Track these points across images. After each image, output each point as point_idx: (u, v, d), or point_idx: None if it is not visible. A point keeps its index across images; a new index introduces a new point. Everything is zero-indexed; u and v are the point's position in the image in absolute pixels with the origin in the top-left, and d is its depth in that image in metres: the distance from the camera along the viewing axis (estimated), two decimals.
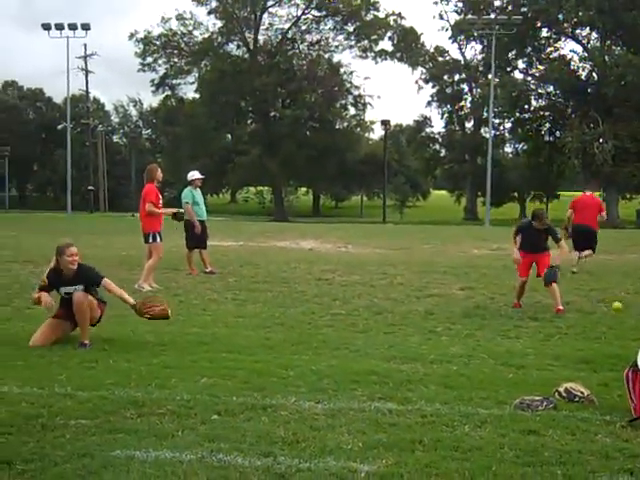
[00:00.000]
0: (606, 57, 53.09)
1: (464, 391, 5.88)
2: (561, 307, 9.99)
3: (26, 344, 7.39)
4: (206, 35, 64.90)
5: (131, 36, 64.49)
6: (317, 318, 9.43)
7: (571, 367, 6.84)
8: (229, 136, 72.12)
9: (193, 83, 68.02)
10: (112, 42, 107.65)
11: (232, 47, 66.26)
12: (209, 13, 63.52)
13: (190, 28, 64.94)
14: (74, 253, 7.65)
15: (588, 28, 57.17)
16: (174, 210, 13.06)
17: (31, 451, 4.36)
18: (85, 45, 62.33)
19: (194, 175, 14.04)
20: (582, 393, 5.59)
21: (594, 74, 55.28)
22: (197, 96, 69.15)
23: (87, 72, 65.15)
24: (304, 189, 79.31)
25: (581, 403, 5.50)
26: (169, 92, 70.07)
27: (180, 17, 64.17)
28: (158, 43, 64.94)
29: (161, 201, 12.32)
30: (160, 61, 65.74)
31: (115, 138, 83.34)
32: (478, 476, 4.09)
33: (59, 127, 74.00)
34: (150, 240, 12.20)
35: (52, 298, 7.71)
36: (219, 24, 64.37)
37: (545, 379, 6.24)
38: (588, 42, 58.38)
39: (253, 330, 8.55)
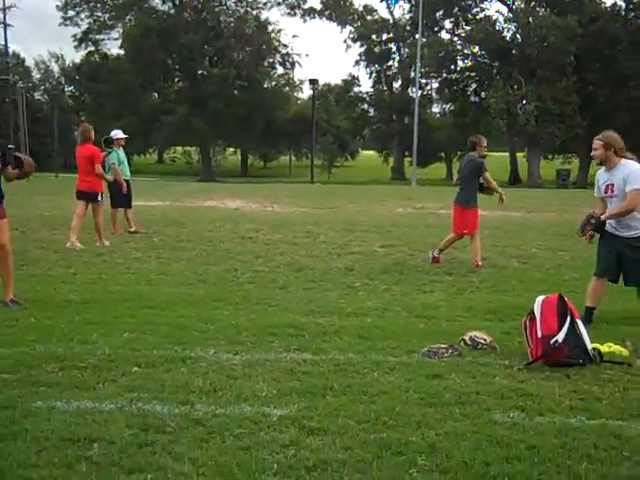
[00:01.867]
0: (530, 18, 53.93)
1: (377, 341, 6.19)
2: (480, 262, 10.40)
3: None
4: None
5: None
6: (239, 275, 9.64)
7: (480, 318, 7.24)
8: (155, 94, 70.78)
9: (117, 39, 66.42)
10: None
11: (157, 2, 64.75)
12: None
13: None
14: None
15: None
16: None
17: None
18: None
19: (117, 134, 13.97)
20: (485, 340, 5.96)
21: (518, 35, 56.16)
22: (122, 52, 67.58)
23: (6, 26, 62.84)
24: (232, 149, 78.72)
25: (484, 350, 5.88)
26: (92, 48, 68.16)
27: None
28: None
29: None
30: (83, 15, 63.83)
31: (36, 95, 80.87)
32: (382, 416, 4.38)
33: None
34: (99, 199, 12.42)
35: None
36: None
37: (454, 329, 6.60)
38: (513, 3, 59.18)
39: (175, 287, 8.72)
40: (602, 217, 7.03)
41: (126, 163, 14.06)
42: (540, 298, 5.80)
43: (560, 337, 5.46)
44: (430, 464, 3.76)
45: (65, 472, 3.60)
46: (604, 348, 5.75)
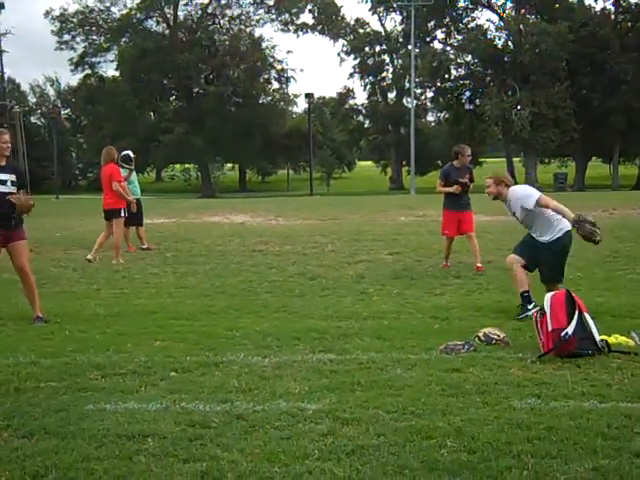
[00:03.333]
0: (521, 26, 54.64)
1: (395, 341, 6.54)
2: (480, 265, 10.78)
3: None
4: (124, 11, 64.10)
5: (47, 14, 63.24)
6: (255, 286, 10.00)
7: (490, 316, 7.59)
8: (152, 114, 71.34)
9: (113, 61, 67.16)
10: (24, 20, 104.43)
11: (152, 23, 65.68)
12: None
13: (107, 4, 64.05)
14: (7, 140, 7.72)
15: None
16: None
17: (10, 409, 4.80)
18: None
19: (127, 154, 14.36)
20: (498, 336, 6.32)
21: (510, 43, 56.80)
22: (118, 74, 68.19)
23: (1, 52, 63.38)
24: (230, 165, 79.24)
25: (498, 345, 6.24)
26: (89, 71, 68.83)
27: None
28: (75, 20, 63.73)
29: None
30: (78, 39, 64.70)
31: (33, 119, 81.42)
32: (409, 406, 4.73)
33: None
34: (121, 214, 12.85)
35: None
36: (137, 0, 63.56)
37: (467, 327, 6.96)
38: (504, 11, 59.94)
39: (196, 299, 9.07)
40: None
41: (136, 182, 14.47)
42: (549, 294, 6.16)
43: (570, 330, 5.81)
44: (458, 445, 4.10)
45: (126, 463, 3.94)
46: (611, 339, 6.11)
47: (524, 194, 7.68)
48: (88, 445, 4.19)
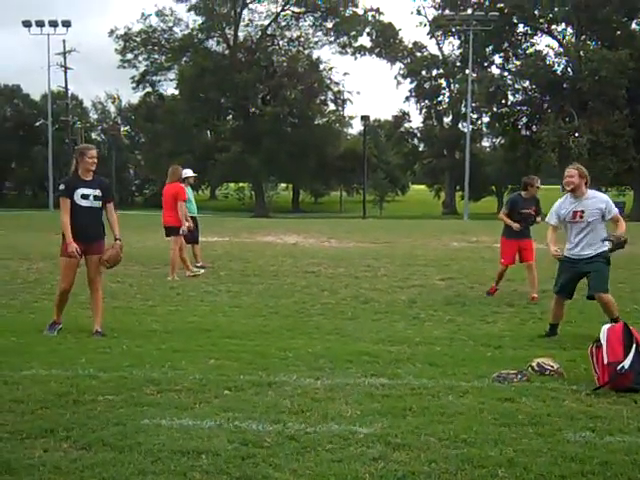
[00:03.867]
0: (581, 52, 54.11)
1: (447, 368, 6.53)
2: (536, 295, 10.68)
3: (40, 333, 7.96)
4: (186, 32, 65.38)
5: (111, 32, 64.87)
6: (308, 307, 10.08)
7: (543, 347, 7.52)
8: (209, 133, 72.45)
9: (173, 80, 68.56)
10: (88, 39, 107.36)
11: (212, 43, 66.82)
12: (189, 10, 64.08)
13: (170, 24, 65.48)
14: (95, 155, 7.99)
15: (564, 24, 58.23)
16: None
17: (69, 421, 4.94)
18: (64, 41, 62.46)
19: (187, 173, 14.62)
20: (552, 367, 6.26)
21: (569, 69, 56.31)
22: (177, 92, 69.51)
23: (66, 69, 65.18)
24: (284, 185, 79.87)
25: (551, 376, 6.18)
26: (149, 89, 70.37)
27: (160, 13, 64.69)
28: (138, 39, 65.25)
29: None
30: (140, 57, 66.18)
31: (94, 135, 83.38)
32: (461, 434, 4.73)
33: (37, 124, 73.79)
34: (180, 232, 13.07)
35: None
36: (199, 20, 64.87)
37: (520, 357, 6.91)
38: (564, 37, 59.46)
39: (250, 318, 9.19)
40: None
41: (193, 201, 14.70)
42: (606, 327, 6.10)
43: (626, 364, 5.73)
44: (510, 476, 4.08)
45: (181, 479, 4.03)
46: None
47: (610, 200, 7.94)
48: (144, 459, 4.29)
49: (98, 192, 8.00)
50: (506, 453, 4.41)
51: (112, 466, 4.17)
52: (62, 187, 8.02)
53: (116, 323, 8.55)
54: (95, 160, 8.00)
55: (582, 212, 7.87)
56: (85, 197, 7.91)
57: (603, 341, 5.94)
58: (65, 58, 64.03)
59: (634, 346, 5.83)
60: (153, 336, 7.92)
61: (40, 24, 54.58)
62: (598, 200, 7.94)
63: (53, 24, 54.89)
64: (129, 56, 65.52)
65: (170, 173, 13.49)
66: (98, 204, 8.01)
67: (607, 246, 7.76)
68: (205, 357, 6.86)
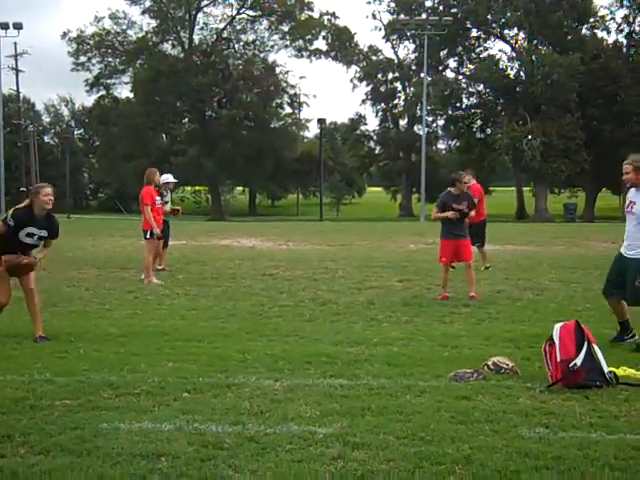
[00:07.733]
0: (533, 57, 54.93)
1: (405, 368, 6.61)
2: (474, 294, 10.83)
3: None
4: (140, 34, 64.83)
5: (64, 35, 64.01)
6: (267, 309, 10.09)
7: (499, 346, 7.64)
8: (165, 136, 71.89)
9: (128, 83, 67.87)
10: (40, 41, 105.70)
11: (167, 47, 66.41)
12: (143, 12, 63.52)
13: (124, 27, 64.84)
14: (50, 193, 7.83)
15: (516, 29, 59.05)
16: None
17: (26, 426, 4.90)
18: (15, 44, 61.41)
19: (167, 178, 14.59)
20: (507, 365, 6.38)
21: (522, 73, 57.09)
22: (132, 96, 68.86)
23: (18, 71, 64.14)
24: (240, 188, 79.60)
25: (507, 374, 6.29)
26: (104, 92, 69.56)
27: (113, 16, 63.93)
28: (91, 42, 64.48)
29: (158, 202, 13.30)
30: (94, 60, 65.34)
31: (46, 138, 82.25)
32: (419, 432, 4.80)
33: None
34: (147, 236, 12.98)
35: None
36: (153, 23, 64.40)
37: (476, 356, 7.01)
38: (516, 42, 60.28)
39: (208, 321, 9.17)
40: None
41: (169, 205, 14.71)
42: (558, 325, 6.23)
43: (578, 361, 5.87)
44: (466, 472, 4.16)
45: None
46: (619, 371, 6.16)
47: None
48: (103, 463, 4.27)
49: (44, 233, 7.95)
50: (463, 450, 4.49)
51: (70, 471, 4.15)
52: (11, 223, 7.78)
53: (72, 327, 8.48)
54: (51, 198, 7.86)
55: (634, 203, 7.48)
56: (30, 236, 7.87)
57: (556, 339, 6.07)
58: (17, 60, 63.04)
59: (585, 344, 5.98)
60: (111, 340, 7.86)
61: None
62: None
63: (4, 26, 53.93)
64: (82, 59, 64.71)
65: (145, 176, 13.36)
66: (39, 242, 8.01)
67: None
68: (164, 360, 6.84)
